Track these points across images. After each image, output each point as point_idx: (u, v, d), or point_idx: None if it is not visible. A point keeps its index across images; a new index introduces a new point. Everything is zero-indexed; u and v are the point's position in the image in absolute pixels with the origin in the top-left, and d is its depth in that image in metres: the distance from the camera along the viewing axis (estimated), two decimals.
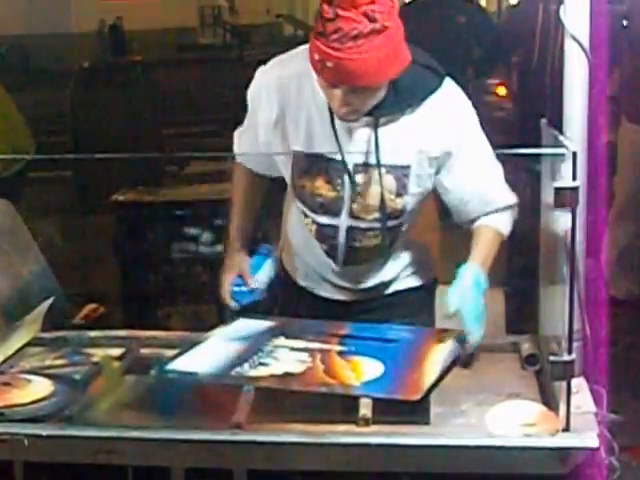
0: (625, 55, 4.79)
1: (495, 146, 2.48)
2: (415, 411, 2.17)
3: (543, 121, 2.45)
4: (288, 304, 2.86)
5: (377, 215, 2.56)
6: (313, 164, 2.56)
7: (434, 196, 2.67)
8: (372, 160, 2.50)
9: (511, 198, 2.60)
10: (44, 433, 2.14)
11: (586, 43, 2.22)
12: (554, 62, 4.84)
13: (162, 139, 8.17)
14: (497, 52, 5.56)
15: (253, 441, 2.11)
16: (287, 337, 2.46)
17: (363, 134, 2.50)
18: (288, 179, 2.65)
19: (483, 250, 2.54)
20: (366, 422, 2.14)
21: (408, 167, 2.51)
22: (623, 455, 2.18)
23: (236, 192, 2.83)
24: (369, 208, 2.55)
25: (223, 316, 2.81)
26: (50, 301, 2.74)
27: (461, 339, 2.39)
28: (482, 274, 2.44)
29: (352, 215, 2.57)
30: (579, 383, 2.20)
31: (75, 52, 14.94)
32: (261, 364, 2.31)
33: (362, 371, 2.26)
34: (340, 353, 2.35)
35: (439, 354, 2.33)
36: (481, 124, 2.55)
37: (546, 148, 2.32)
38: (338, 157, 2.51)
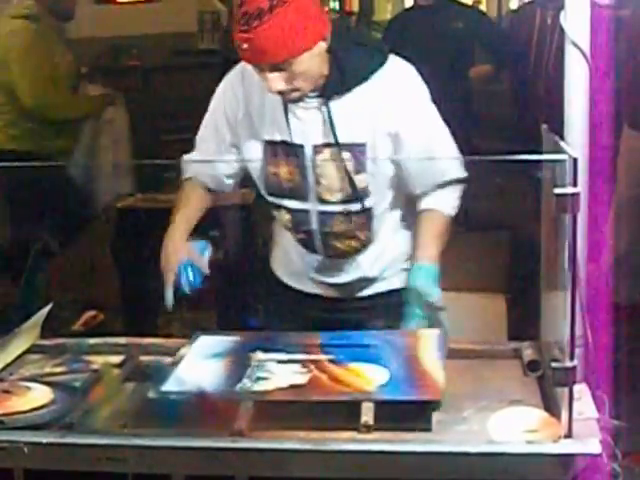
0: (626, 61, 4.79)
1: (495, 152, 2.48)
2: (417, 417, 2.17)
3: (544, 127, 2.44)
4: (276, 304, 2.93)
5: (341, 196, 2.62)
6: (277, 151, 2.64)
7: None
8: (329, 140, 2.58)
9: (459, 171, 2.66)
10: (44, 441, 2.13)
11: (587, 48, 2.22)
12: (555, 67, 4.84)
13: (161, 145, 8.16)
14: (500, 55, 5.55)
15: (254, 448, 2.10)
16: (265, 351, 2.44)
17: (317, 115, 2.58)
18: (258, 176, 2.71)
19: (432, 240, 2.64)
20: (368, 429, 2.13)
21: (364, 145, 2.58)
22: (625, 461, 2.17)
23: (184, 198, 2.85)
24: (332, 189, 2.62)
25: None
26: (48, 308, 2.73)
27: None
28: (434, 271, 2.59)
29: (319, 199, 2.64)
30: (581, 389, 2.20)
31: (72, 57, 14.92)
32: (259, 378, 2.30)
33: (367, 376, 2.27)
34: (332, 361, 2.36)
35: (429, 351, 2.37)
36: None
37: (547, 154, 2.31)
38: (296, 141, 2.59)
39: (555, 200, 2.04)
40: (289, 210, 2.70)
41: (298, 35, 2.41)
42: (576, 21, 2.21)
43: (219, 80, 2.79)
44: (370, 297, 2.83)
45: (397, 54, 2.65)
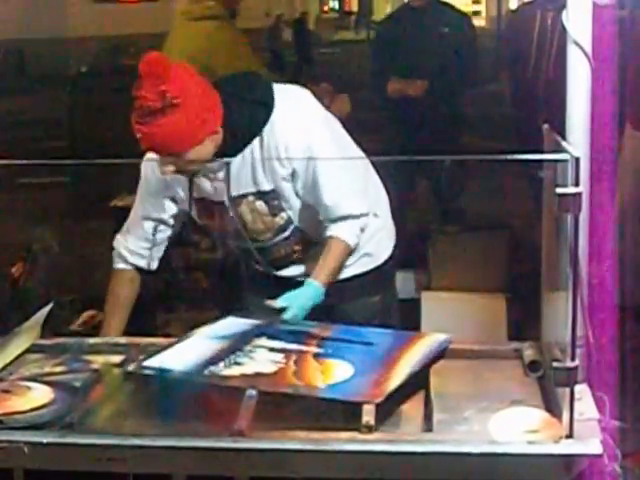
0: (629, 61, 4.78)
1: (497, 152, 2.48)
2: (348, 417, 2.18)
3: (545, 126, 2.44)
4: (247, 286, 3.09)
5: (270, 235, 2.83)
6: (204, 206, 2.84)
7: None
8: (241, 191, 2.75)
9: (356, 207, 2.78)
10: (44, 441, 2.13)
11: (589, 48, 2.21)
12: (555, 67, 4.84)
13: None
14: (472, 62, 5.53)
15: (255, 448, 2.10)
16: (269, 337, 2.52)
17: (221, 173, 2.74)
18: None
19: (328, 265, 2.77)
20: (369, 429, 2.13)
21: (270, 191, 2.75)
22: (626, 462, 2.17)
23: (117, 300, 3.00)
24: (258, 231, 2.82)
25: None
26: (49, 307, 2.72)
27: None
28: (321, 292, 2.73)
29: (252, 239, 2.85)
30: (582, 389, 2.19)
31: (71, 57, 14.93)
32: (236, 363, 2.36)
33: (332, 373, 2.30)
34: (316, 355, 2.40)
35: (412, 357, 2.37)
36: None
37: (548, 154, 2.31)
38: (215, 198, 2.78)
39: (557, 200, 2.04)
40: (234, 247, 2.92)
41: (187, 135, 2.55)
42: (578, 21, 2.21)
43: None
44: (341, 281, 2.90)
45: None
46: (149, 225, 2.93)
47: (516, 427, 2.13)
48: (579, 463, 2.05)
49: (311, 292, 2.73)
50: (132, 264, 2.95)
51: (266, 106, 2.72)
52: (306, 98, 2.80)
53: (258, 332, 2.56)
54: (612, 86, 2.29)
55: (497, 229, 4.53)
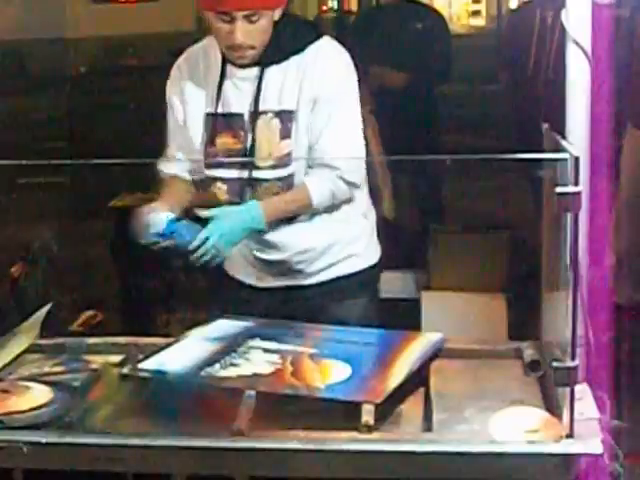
0: (629, 60, 4.78)
1: (496, 151, 2.48)
2: (347, 417, 2.17)
3: (545, 126, 2.44)
4: (223, 299, 2.99)
5: (271, 162, 2.73)
6: (218, 122, 2.76)
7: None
8: (262, 107, 2.71)
9: (338, 162, 2.70)
10: (43, 440, 2.12)
11: (588, 47, 2.21)
12: (555, 66, 4.83)
13: (160, 144, 8.15)
14: (446, 60, 5.53)
15: (255, 448, 2.10)
16: (263, 338, 2.51)
17: (252, 84, 2.72)
18: (201, 149, 2.80)
19: (281, 200, 2.72)
20: (368, 429, 2.12)
21: (291, 112, 2.71)
22: (627, 461, 2.16)
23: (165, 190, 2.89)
24: (263, 154, 2.73)
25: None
26: (48, 307, 2.72)
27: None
28: (260, 214, 2.66)
29: (253, 165, 2.74)
30: (582, 389, 2.19)
31: (71, 57, 14.92)
32: (232, 365, 2.36)
33: (329, 374, 2.30)
34: (312, 356, 2.39)
35: (410, 356, 2.38)
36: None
37: (548, 153, 2.31)
38: (237, 110, 2.73)
39: (556, 199, 2.04)
40: (225, 180, 2.78)
41: None
42: (577, 20, 2.21)
43: None
44: (319, 285, 2.88)
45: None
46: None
47: (516, 427, 2.12)
48: (579, 463, 2.05)
49: (247, 210, 2.68)
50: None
51: (315, 29, 2.80)
52: None
53: (251, 333, 2.56)
54: (611, 85, 2.29)
55: (497, 229, 4.53)
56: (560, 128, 2.28)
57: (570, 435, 2.06)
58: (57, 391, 2.34)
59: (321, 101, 2.71)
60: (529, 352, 2.50)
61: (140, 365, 2.40)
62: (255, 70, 2.72)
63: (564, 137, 2.25)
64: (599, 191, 2.27)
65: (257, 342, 2.49)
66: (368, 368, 2.33)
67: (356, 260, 2.89)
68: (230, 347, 2.47)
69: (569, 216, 2.05)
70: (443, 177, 5.40)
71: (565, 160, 2.07)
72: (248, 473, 2.13)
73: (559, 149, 2.19)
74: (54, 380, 2.44)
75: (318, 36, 2.75)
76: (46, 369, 2.55)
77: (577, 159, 2.02)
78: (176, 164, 2.89)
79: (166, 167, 2.90)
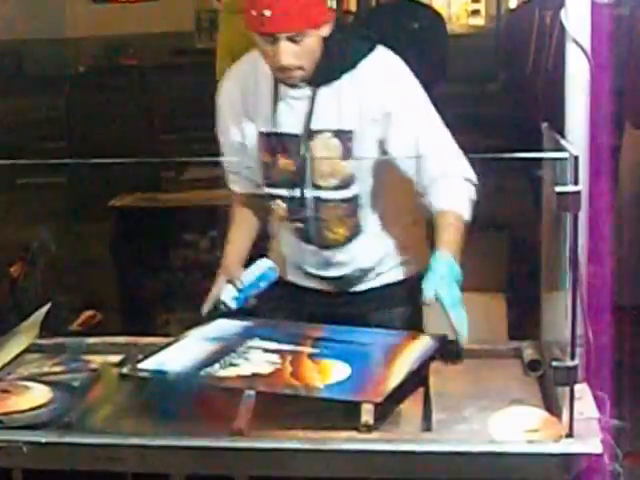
0: (627, 60, 4.77)
1: (495, 150, 2.47)
2: (347, 416, 2.17)
3: (544, 125, 2.44)
4: (279, 302, 2.89)
5: (333, 182, 2.66)
6: (271, 142, 2.69)
7: (407, 186, 2.70)
8: (318, 126, 2.64)
9: (468, 171, 2.58)
10: (43, 440, 2.12)
11: (588, 46, 2.21)
12: (554, 65, 4.83)
13: (159, 144, 8.15)
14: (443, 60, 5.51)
15: (254, 448, 2.10)
16: (262, 338, 2.51)
17: (306, 104, 2.64)
18: (259, 170, 2.75)
19: (452, 239, 2.49)
20: (368, 429, 2.12)
21: (350, 132, 2.62)
22: (626, 461, 2.16)
23: (232, 224, 2.88)
24: (324, 174, 2.66)
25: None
26: (47, 307, 2.72)
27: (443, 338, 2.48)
28: (456, 264, 2.43)
29: (314, 185, 2.68)
30: (582, 389, 2.19)
31: (69, 57, 14.91)
32: (231, 364, 2.36)
33: (329, 373, 2.30)
34: (311, 355, 2.39)
35: (409, 356, 2.38)
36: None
37: (547, 152, 2.31)
38: (291, 130, 2.65)
39: (556, 198, 2.04)
40: (285, 199, 2.73)
41: (318, 8, 2.54)
42: (577, 19, 2.21)
43: (217, 79, 2.81)
44: (367, 291, 2.84)
45: None
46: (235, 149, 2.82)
47: (516, 426, 2.12)
48: (579, 462, 2.04)
49: (446, 266, 2.41)
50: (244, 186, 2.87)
51: (368, 41, 2.68)
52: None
53: (250, 333, 2.56)
54: (610, 84, 2.29)
55: (497, 228, 4.53)
56: (559, 127, 2.28)
57: (570, 435, 2.06)
58: (56, 391, 2.34)
59: (397, 117, 2.60)
60: (529, 352, 2.50)
61: (140, 365, 2.40)
62: (307, 89, 2.63)
63: (563, 136, 2.24)
64: (599, 190, 2.27)
65: (256, 342, 2.49)
66: (368, 368, 2.33)
67: (405, 268, 2.83)
68: (229, 347, 2.47)
69: (568, 215, 2.04)
70: None
71: (564, 159, 2.07)
72: (247, 473, 2.13)
73: (558, 148, 2.18)
74: (53, 380, 2.44)
75: (370, 49, 2.65)
76: (45, 369, 2.55)
77: (576, 158, 2.02)
78: (241, 182, 2.86)
79: (235, 186, 2.89)
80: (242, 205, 2.90)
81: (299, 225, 2.76)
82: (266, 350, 2.44)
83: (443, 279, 2.38)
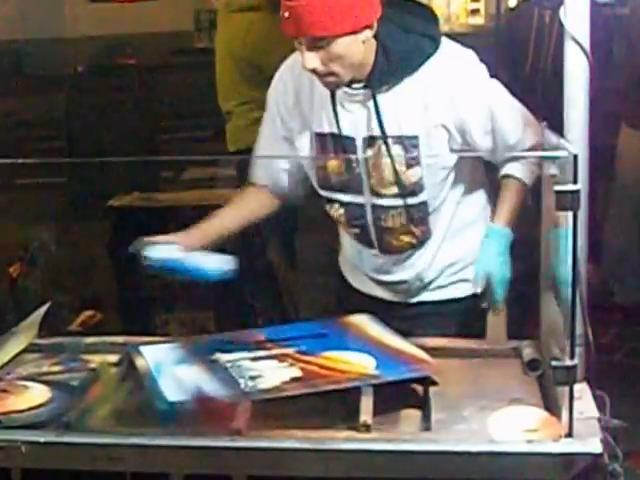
0: (625, 59, 4.77)
1: None
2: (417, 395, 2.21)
3: (543, 124, 2.43)
4: (347, 308, 2.80)
5: (395, 190, 2.57)
6: (327, 143, 2.61)
7: (483, 196, 2.73)
8: (378, 132, 2.53)
9: (533, 138, 2.57)
10: (41, 440, 2.12)
11: (587, 45, 2.21)
12: (553, 64, 4.83)
13: (158, 144, 8.15)
14: None
15: (253, 447, 2.09)
16: (222, 352, 2.41)
17: (365, 107, 2.54)
18: (310, 171, 2.68)
19: (510, 207, 2.61)
20: (367, 428, 2.12)
21: (415, 137, 2.53)
22: (626, 461, 2.16)
23: (233, 201, 2.82)
24: (385, 182, 2.57)
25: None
26: (46, 307, 2.72)
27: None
28: (510, 235, 2.59)
29: (372, 191, 2.59)
30: (582, 388, 2.19)
31: (69, 56, 14.90)
32: (252, 377, 2.28)
33: (355, 362, 2.29)
34: (301, 352, 2.37)
35: (382, 333, 2.43)
36: None
37: (547, 151, 2.31)
38: (350, 134, 2.56)
39: (555, 197, 2.03)
40: (342, 204, 2.66)
41: (341, 15, 2.36)
42: (575, 17, 2.20)
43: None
44: (427, 303, 2.78)
45: None
46: (281, 147, 2.72)
47: (515, 426, 2.12)
48: (579, 462, 2.04)
49: (498, 240, 2.57)
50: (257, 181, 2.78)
51: (432, 40, 2.53)
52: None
53: (203, 351, 2.43)
54: (609, 83, 2.29)
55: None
56: (559, 126, 2.27)
57: (569, 434, 2.06)
58: (55, 391, 2.34)
59: (472, 120, 2.54)
60: (528, 351, 2.50)
61: (171, 398, 2.21)
62: (365, 93, 2.53)
63: (562, 135, 2.24)
64: (598, 189, 2.27)
65: (226, 356, 2.39)
66: (377, 351, 2.33)
67: (465, 286, 2.74)
68: (212, 365, 2.34)
69: (568, 214, 2.04)
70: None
71: (564, 158, 2.06)
72: (246, 473, 2.13)
73: (558, 147, 2.18)
74: (52, 380, 2.43)
75: (433, 49, 2.52)
76: (44, 369, 2.55)
77: (576, 157, 2.01)
78: (270, 176, 2.77)
79: (260, 178, 2.80)
80: (249, 194, 2.81)
81: (357, 231, 2.70)
82: (252, 359, 2.37)
83: (498, 256, 2.55)
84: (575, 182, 2.02)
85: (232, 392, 2.22)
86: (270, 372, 2.30)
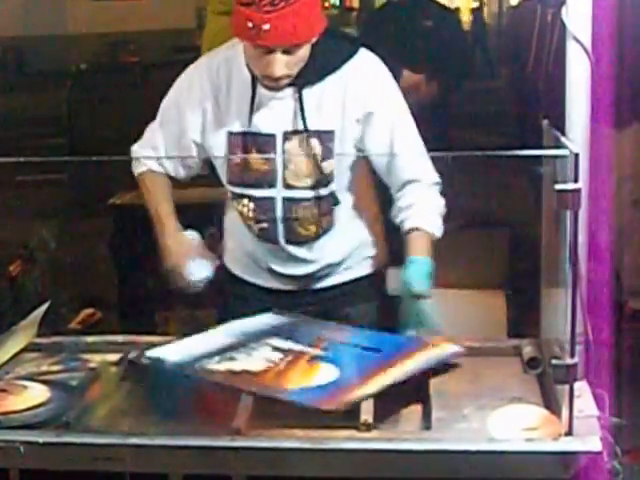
0: (629, 58, 4.75)
1: (496, 148, 2.47)
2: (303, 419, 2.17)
3: (545, 122, 2.43)
4: (233, 301, 2.91)
5: (309, 182, 2.68)
6: (244, 141, 2.69)
7: (369, 181, 2.83)
8: (298, 126, 2.65)
9: (434, 175, 2.72)
10: (40, 440, 2.11)
11: (588, 43, 2.20)
12: (555, 63, 4.83)
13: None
14: (465, 57, 5.49)
15: (253, 447, 2.09)
16: (282, 337, 2.49)
17: (288, 104, 2.65)
18: (221, 167, 2.76)
19: (425, 248, 2.66)
20: (367, 427, 2.12)
21: (332, 132, 2.65)
22: (626, 459, 2.16)
23: (155, 189, 2.83)
24: (300, 174, 2.68)
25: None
26: (46, 306, 2.71)
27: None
28: (427, 265, 2.64)
29: (286, 184, 2.69)
30: (581, 387, 2.19)
31: (71, 54, 14.93)
32: (230, 359, 2.36)
33: (313, 377, 2.28)
34: (314, 358, 2.37)
35: (409, 366, 2.33)
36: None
37: (548, 149, 2.30)
38: (265, 130, 2.66)
39: (556, 196, 2.03)
40: (252, 199, 2.73)
41: (316, 20, 2.54)
42: (577, 16, 2.20)
43: None
44: (333, 287, 2.85)
45: (372, 51, 2.73)
46: (176, 135, 2.78)
47: (515, 424, 2.12)
48: (578, 460, 2.04)
49: (428, 265, 2.65)
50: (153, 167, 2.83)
51: (352, 44, 2.71)
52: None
53: (276, 331, 2.54)
54: (611, 81, 2.28)
55: (497, 226, 4.53)
56: (560, 125, 2.27)
57: (569, 433, 2.05)
58: (54, 390, 2.33)
59: (378, 116, 2.66)
60: (528, 349, 2.49)
61: (147, 352, 2.42)
62: (289, 91, 2.64)
63: (564, 134, 2.24)
64: (599, 188, 2.27)
65: (274, 340, 2.47)
66: (358, 375, 2.29)
67: (371, 262, 2.87)
68: (245, 342, 2.46)
69: (569, 213, 2.04)
70: (442, 174, 5.38)
71: (565, 157, 2.06)
72: (246, 472, 2.13)
73: (559, 145, 2.18)
74: (52, 379, 2.43)
75: (354, 51, 2.68)
76: (44, 368, 2.54)
77: (577, 156, 2.01)
78: (165, 161, 2.81)
79: (152, 162, 2.83)
80: (158, 178, 2.84)
81: (265, 225, 2.75)
82: (276, 348, 2.43)
83: (429, 277, 2.62)
84: (576, 181, 2.02)
85: (179, 364, 2.35)
86: (246, 361, 2.36)
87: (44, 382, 2.38)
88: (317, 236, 2.76)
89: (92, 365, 2.54)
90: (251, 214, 2.75)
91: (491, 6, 19.11)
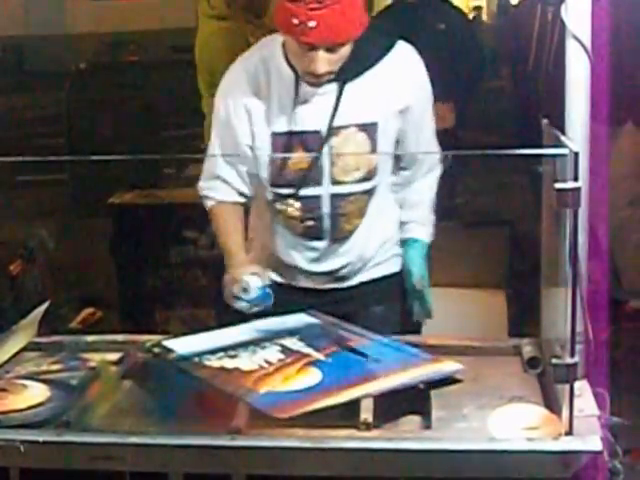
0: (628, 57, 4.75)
1: (496, 147, 2.47)
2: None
3: (545, 121, 2.43)
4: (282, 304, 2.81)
5: (357, 176, 2.68)
6: (289, 140, 2.68)
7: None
8: (342, 122, 2.65)
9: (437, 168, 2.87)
10: (40, 439, 2.11)
11: (588, 43, 2.20)
12: (555, 62, 4.82)
13: (159, 141, 8.14)
14: (476, 58, 5.49)
15: (252, 446, 2.09)
16: (299, 339, 2.49)
17: (330, 99, 2.65)
18: (264, 169, 2.71)
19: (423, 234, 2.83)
20: (367, 426, 2.12)
21: (375, 124, 2.67)
22: (626, 458, 2.16)
23: (223, 221, 2.81)
24: (348, 169, 2.68)
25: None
26: (46, 305, 2.71)
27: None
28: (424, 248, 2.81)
29: (333, 180, 2.68)
30: (582, 386, 2.19)
31: (70, 53, 14.91)
32: (230, 356, 2.37)
33: (292, 382, 2.27)
34: (310, 362, 2.36)
35: (397, 379, 2.30)
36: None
37: (548, 148, 2.30)
38: (309, 127, 2.65)
39: (556, 195, 2.03)
40: (299, 198, 2.70)
41: (358, 19, 2.53)
42: (577, 15, 2.20)
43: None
44: (364, 284, 2.84)
45: None
46: (239, 151, 2.75)
47: (515, 424, 2.12)
48: (579, 460, 2.04)
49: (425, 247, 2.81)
50: (236, 190, 2.79)
51: (389, 36, 2.73)
52: None
53: (296, 332, 2.54)
54: (610, 81, 2.29)
55: (497, 225, 4.53)
56: (560, 124, 2.27)
57: (569, 432, 2.05)
58: (55, 389, 2.33)
59: (413, 107, 2.71)
60: (528, 349, 2.49)
61: (164, 342, 2.47)
62: (332, 86, 2.64)
63: (564, 133, 2.24)
64: (599, 187, 2.27)
65: (288, 340, 2.47)
66: (334, 384, 2.27)
67: (398, 260, 2.87)
68: (260, 340, 2.48)
69: (568, 212, 2.04)
70: (442, 173, 5.37)
71: (565, 155, 2.06)
72: (245, 471, 2.13)
73: (559, 144, 2.18)
74: (52, 378, 2.43)
75: (392, 44, 2.70)
76: (44, 367, 2.54)
77: (577, 155, 2.01)
78: (226, 189, 2.79)
79: (218, 193, 2.81)
80: (233, 220, 2.81)
81: (310, 223, 2.73)
82: (283, 349, 2.42)
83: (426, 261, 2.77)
84: (576, 179, 2.02)
85: (179, 357, 2.40)
86: (243, 360, 2.37)
87: (44, 381, 2.38)
88: (355, 228, 2.77)
89: (92, 364, 2.53)
90: (297, 213, 2.72)
91: (491, 6, 19.10)
